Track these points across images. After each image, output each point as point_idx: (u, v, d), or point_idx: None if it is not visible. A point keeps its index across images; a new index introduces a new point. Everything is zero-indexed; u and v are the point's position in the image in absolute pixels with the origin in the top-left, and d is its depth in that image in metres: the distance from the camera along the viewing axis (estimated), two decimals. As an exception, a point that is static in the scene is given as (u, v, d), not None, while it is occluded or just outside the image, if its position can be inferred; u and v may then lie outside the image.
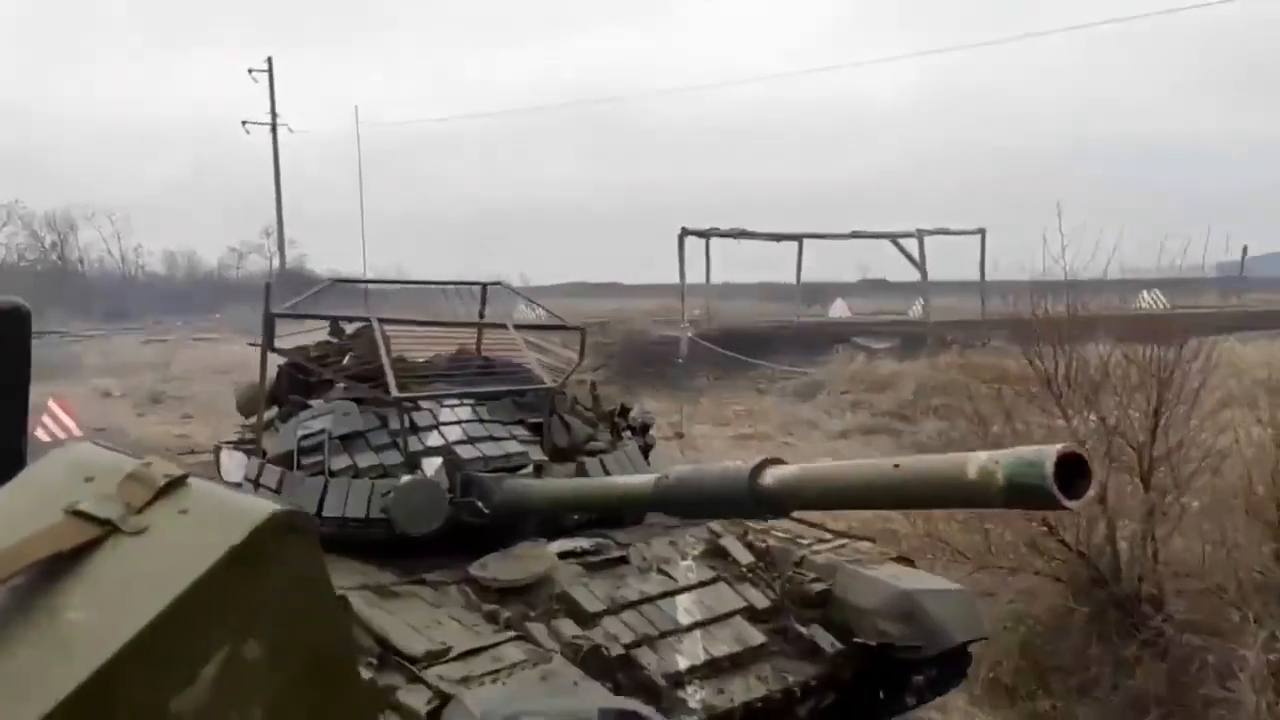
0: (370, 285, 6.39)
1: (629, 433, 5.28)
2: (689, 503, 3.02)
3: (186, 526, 0.95)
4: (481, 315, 5.83)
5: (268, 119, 44.10)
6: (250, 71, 44.28)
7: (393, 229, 76.76)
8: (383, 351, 4.70)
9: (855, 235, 16.51)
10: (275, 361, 5.12)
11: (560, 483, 4.21)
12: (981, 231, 17.19)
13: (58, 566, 0.92)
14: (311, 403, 4.98)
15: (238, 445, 5.01)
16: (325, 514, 4.25)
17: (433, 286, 5.53)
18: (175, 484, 0.99)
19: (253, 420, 5.23)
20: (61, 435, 13.21)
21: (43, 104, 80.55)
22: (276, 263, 48.94)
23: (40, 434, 13.06)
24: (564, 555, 4.19)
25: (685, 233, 14.18)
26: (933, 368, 12.05)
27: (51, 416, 13.24)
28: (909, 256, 17.21)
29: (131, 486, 0.99)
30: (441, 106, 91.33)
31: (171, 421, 14.47)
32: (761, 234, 15.17)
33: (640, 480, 3.35)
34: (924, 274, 17.18)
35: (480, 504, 4.24)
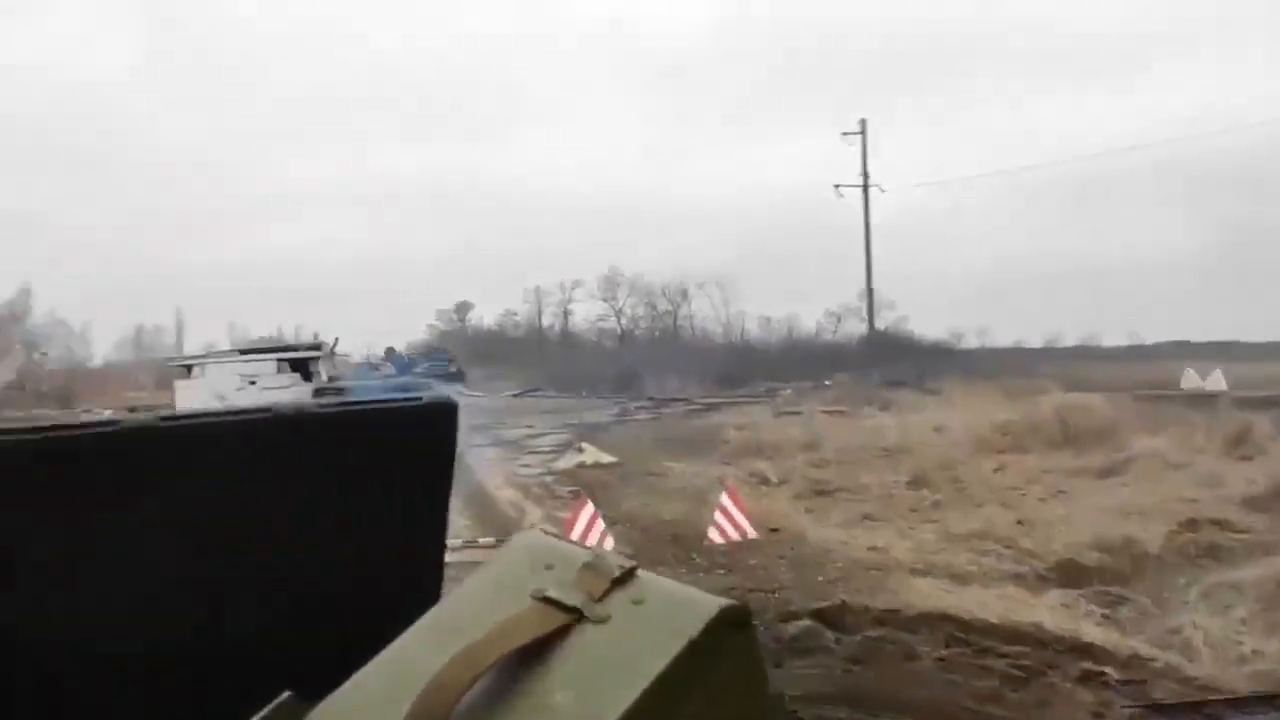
0: None
1: None
2: None
3: (644, 617, 1.02)
4: None
5: (860, 181, 44.59)
6: (843, 135, 45.41)
7: (982, 288, 72.89)
8: None
9: None
10: None
11: None
12: None
13: (533, 650, 1.01)
14: None
15: None
16: None
17: None
18: (628, 575, 1.06)
19: None
20: (735, 536, 11.52)
21: (655, 185, 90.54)
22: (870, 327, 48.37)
23: (714, 534, 11.53)
24: None
25: None
26: None
27: (723, 512, 11.67)
28: None
29: (589, 576, 1.06)
30: (1017, 156, 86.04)
31: (852, 523, 12.15)
32: None
33: None
34: None
35: None
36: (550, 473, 17.68)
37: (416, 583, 1.28)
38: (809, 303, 79.05)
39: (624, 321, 63.22)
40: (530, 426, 25.66)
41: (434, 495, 1.43)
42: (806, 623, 7.67)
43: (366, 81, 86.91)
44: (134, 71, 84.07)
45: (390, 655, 1.09)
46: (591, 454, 19.08)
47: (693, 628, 1.00)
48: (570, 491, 15.73)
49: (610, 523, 11.60)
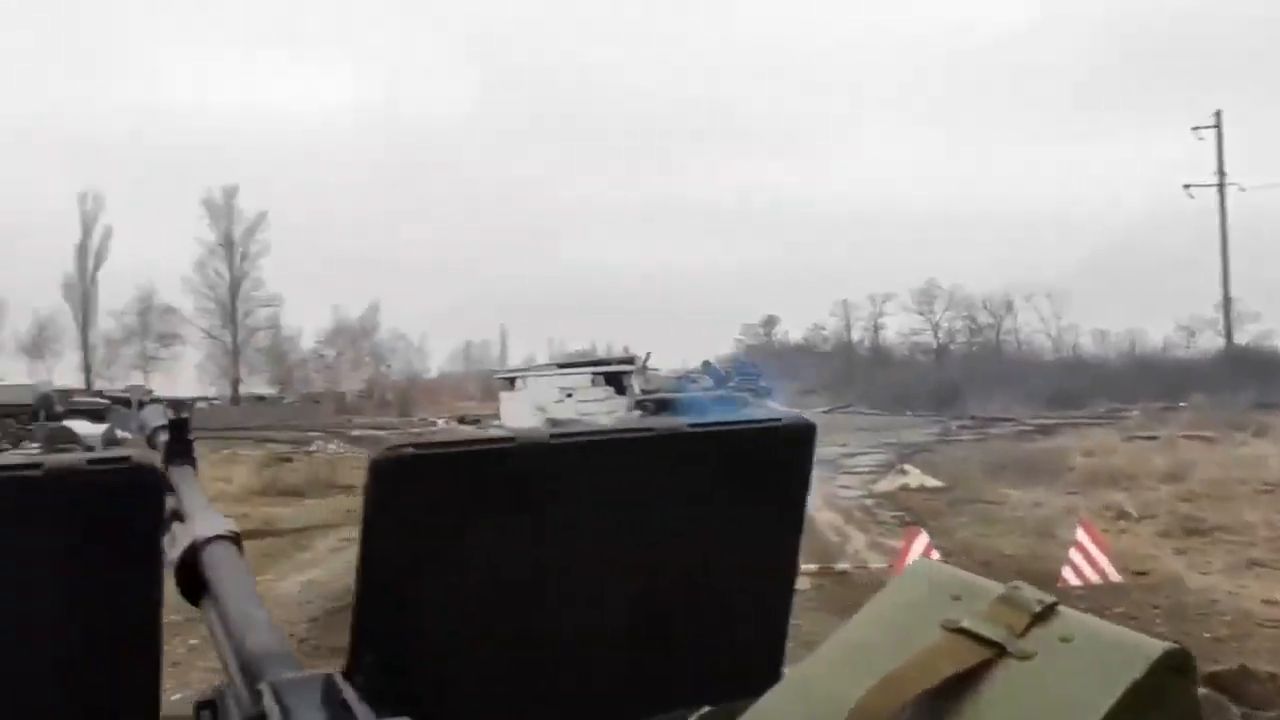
0: None
1: None
2: None
3: (1074, 656, 0.97)
4: None
5: (1214, 179, 39.83)
6: (1194, 129, 40.78)
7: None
8: None
9: None
10: None
11: None
12: None
13: (953, 684, 0.98)
14: None
15: None
16: None
17: None
18: (1049, 610, 1.02)
19: None
20: (1094, 578, 10.22)
21: (976, 191, 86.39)
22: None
23: (1069, 574, 10.28)
24: None
25: None
26: None
27: (1079, 549, 10.39)
28: None
29: (1005, 609, 1.02)
30: None
31: (1238, 569, 10.45)
32: None
33: None
34: None
35: None
36: (871, 495, 16.81)
37: (772, 603, 1.30)
38: (1154, 315, 71.71)
39: (940, 335, 60.62)
40: (844, 445, 24.76)
41: (791, 517, 1.41)
42: (1200, 690, 6.49)
43: (676, 103, 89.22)
44: (473, 109, 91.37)
45: (798, 677, 1.10)
46: (915, 476, 18.00)
47: (1134, 670, 0.92)
48: (894, 516, 14.85)
49: (944, 554, 10.66)
